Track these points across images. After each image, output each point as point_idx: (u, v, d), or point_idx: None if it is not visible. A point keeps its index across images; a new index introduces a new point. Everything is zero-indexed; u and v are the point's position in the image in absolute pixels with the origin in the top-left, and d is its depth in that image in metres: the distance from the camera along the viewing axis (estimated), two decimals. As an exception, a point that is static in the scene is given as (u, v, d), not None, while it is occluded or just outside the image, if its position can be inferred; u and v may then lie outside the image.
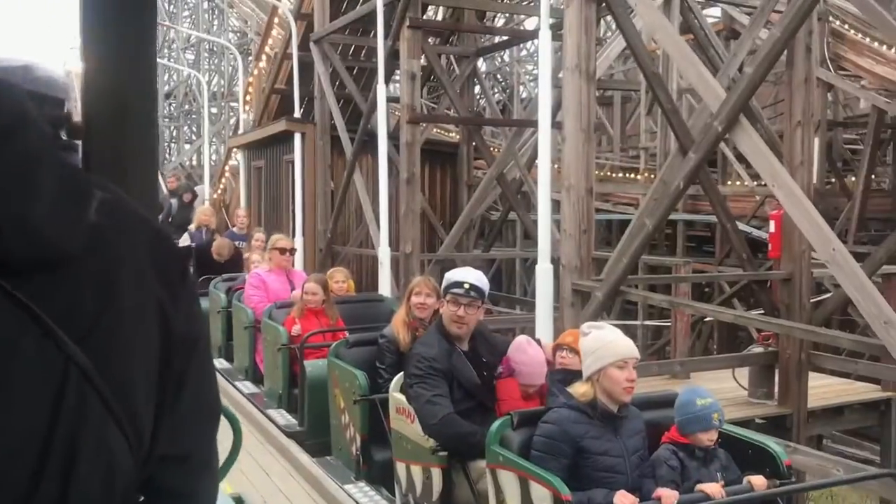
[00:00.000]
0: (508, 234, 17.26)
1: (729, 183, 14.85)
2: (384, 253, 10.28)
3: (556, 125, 8.16)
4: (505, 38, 16.48)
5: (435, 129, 16.87)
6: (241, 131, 18.51)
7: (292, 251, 7.98)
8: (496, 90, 28.31)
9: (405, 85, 10.82)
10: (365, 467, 5.10)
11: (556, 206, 7.74)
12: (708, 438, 3.47)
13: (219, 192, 19.31)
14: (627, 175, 17.77)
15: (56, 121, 0.96)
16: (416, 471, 4.28)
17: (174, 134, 38.38)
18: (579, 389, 3.50)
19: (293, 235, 12.92)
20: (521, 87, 26.97)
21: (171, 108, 37.40)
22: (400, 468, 4.50)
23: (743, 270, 8.57)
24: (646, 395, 3.91)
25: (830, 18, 12.72)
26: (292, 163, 13.61)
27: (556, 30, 8.07)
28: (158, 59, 31.59)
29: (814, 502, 8.62)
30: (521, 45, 24.75)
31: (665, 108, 8.01)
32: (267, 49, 16.91)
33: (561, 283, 7.19)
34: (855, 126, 16.43)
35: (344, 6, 13.71)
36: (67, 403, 0.73)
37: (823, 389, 7.96)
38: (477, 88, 16.65)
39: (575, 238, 7.02)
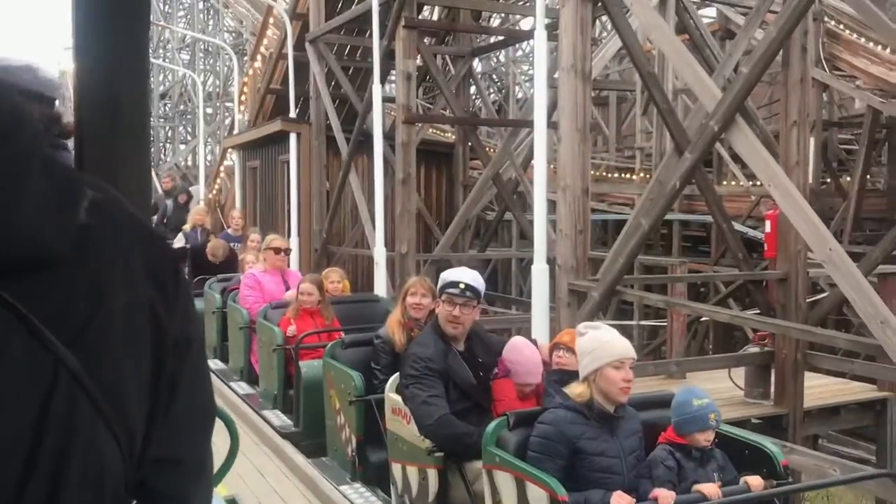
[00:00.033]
0: (504, 234, 17.27)
1: (724, 183, 14.87)
2: (380, 253, 10.26)
3: (552, 125, 8.15)
4: (500, 38, 16.49)
5: (431, 130, 16.87)
6: (236, 131, 18.49)
7: (287, 251, 7.96)
8: (492, 90, 28.33)
9: (401, 85, 10.81)
10: (360, 468, 5.08)
11: (551, 206, 7.75)
12: (705, 439, 3.46)
13: (214, 192, 19.28)
14: (623, 175, 17.80)
15: (49, 121, 0.96)
16: (412, 472, 4.27)
17: (169, 134, 38.34)
18: (576, 390, 3.49)
19: (288, 236, 12.89)
20: (517, 88, 26.99)
21: (167, 109, 37.37)
22: (396, 469, 4.49)
23: (739, 270, 8.57)
24: (642, 396, 3.90)
25: (825, 19, 12.75)
26: (288, 163, 13.59)
27: (552, 30, 8.06)
28: (153, 60, 31.63)
29: (810, 502, 8.62)
30: (517, 46, 24.76)
31: (661, 108, 8.01)
32: (262, 49, 16.89)
33: (557, 284, 7.19)
34: (850, 126, 16.46)
35: (339, 6, 13.69)
36: (56, 406, 0.72)
37: (819, 389, 7.97)
38: (473, 89, 16.66)
39: (571, 238, 7.01)
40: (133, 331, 0.80)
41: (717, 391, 6.84)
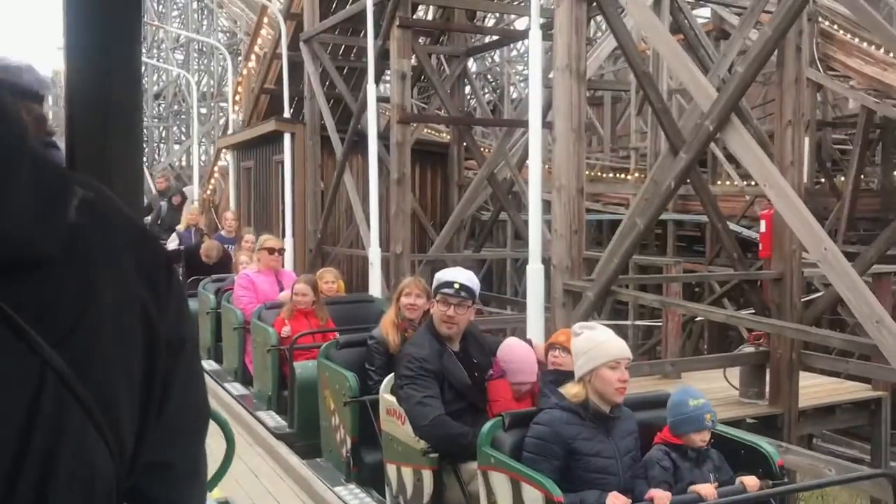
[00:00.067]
0: (499, 234, 17.26)
1: (719, 183, 14.88)
2: (374, 253, 10.24)
3: (547, 125, 8.14)
4: (495, 37, 16.48)
5: (425, 130, 16.85)
6: (230, 131, 18.45)
7: (281, 251, 7.94)
8: (486, 90, 28.33)
9: (395, 85, 10.79)
10: (355, 469, 5.06)
11: (546, 206, 7.73)
12: (700, 439, 3.45)
13: (208, 192, 19.24)
14: (617, 175, 17.80)
15: (39, 119, 0.95)
16: (407, 473, 4.25)
17: (163, 134, 38.26)
18: (571, 390, 3.48)
19: (283, 236, 12.86)
20: (512, 88, 27.01)
21: (161, 109, 37.28)
22: (390, 470, 4.47)
23: (734, 270, 8.58)
24: (638, 396, 3.89)
25: (819, 19, 12.77)
26: (282, 163, 13.56)
27: (547, 29, 8.06)
28: (147, 60, 31.56)
29: (805, 502, 8.63)
30: (512, 46, 24.77)
31: (656, 108, 8.01)
32: (256, 49, 16.86)
33: (552, 284, 7.18)
34: (844, 126, 16.50)
35: (334, 6, 13.67)
36: (44, 410, 0.70)
37: (814, 389, 7.98)
38: (467, 89, 16.64)
39: (566, 238, 7.01)
40: (124, 331, 0.79)
41: (712, 391, 6.84)
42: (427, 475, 4.06)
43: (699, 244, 15.39)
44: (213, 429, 0.97)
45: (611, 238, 10.24)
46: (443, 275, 4.37)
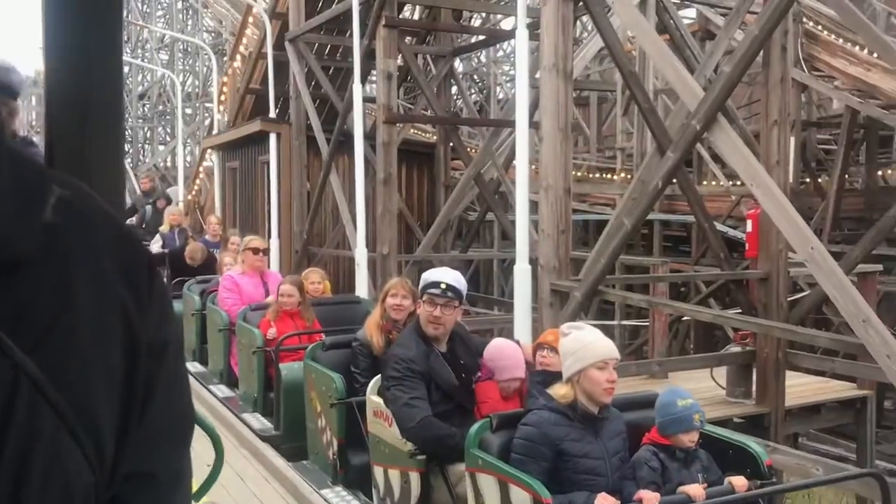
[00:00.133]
0: (486, 234, 17.25)
1: (705, 183, 14.93)
2: (361, 254, 10.20)
3: (534, 125, 8.13)
4: (482, 37, 16.47)
5: (412, 130, 16.83)
6: (215, 132, 18.35)
7: (265, 251, 7.88)
8: (473, 91, 28.34)
9: (381, 85, 10.76)
10: (342, 472, 5.03)
11: (533, 206, 7.72)
12: (689, 439, 3.44)
13: (193, 193, 19.14)
14: (604, 175, 17.84)
15: (13, 112, 0.93)
16: (394, 475, 4.22)
17: (148, 135, 38.07)
18: (559, 391, 3.46)
19: (269, 237, 12.80)
20: (498, 88, 27.02)
21: (145, 109, 37.11)
22: (377, 472, 4.44)
23: (720, 270, 8.59)
24: (626, 397, 3.88)
25: (804, 20, 12.83)
26: (267, 163, 13.49)
27: (533, 29, 8.04)
28: (132, 60, 31.39)
29: (792, 501, 8.66)
30: (498, 46, 24.79)
31: (642, 108, 8.01)
32: (241, 49, 16.77)
33: (539, 284, 7.16)
34: (828, 126, 16.58)
35: (319, 5, 13.61)
36: (17, 417, 0.67)
37: (801, 388, 8.00)
38: (454, 89, 16.63)
39: (553, 238, 6.99)
40: (103, 334, 0.75)
41: (699, 391, 6.84)
42: (414, 477, 4.03)
43: (685, 244, 15.44)
44: (198, 433, 0.93)
45: (597, 238, 10.24)
46: (429, 275, 4.35)
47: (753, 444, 3.65)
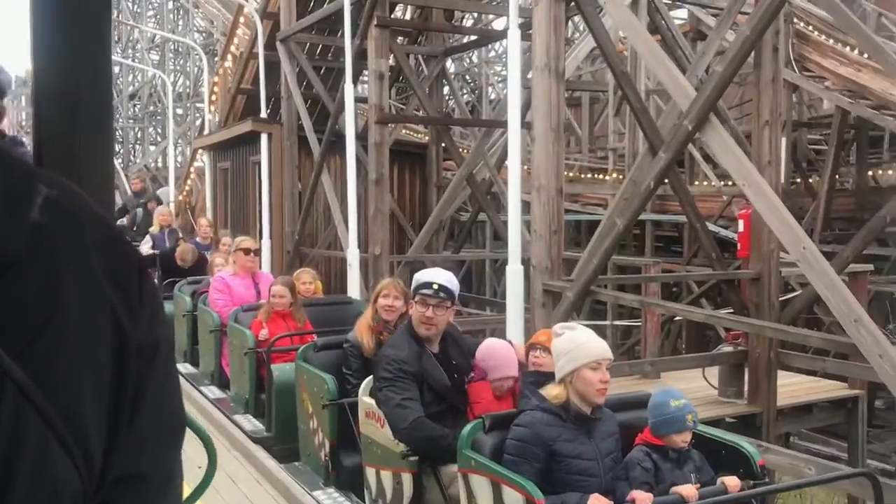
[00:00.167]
0: (478, 235, 17.25)
1: (696, 183, 14.96)
2: (353, 255, 10.18)
3: (526, 125, 8.13)
4: (473, 37, 16.47)
5: (404, 130, 16.81)
6: (206, 132, 18.30)
7: (257, 252, 7.86)
8: (465, 91, 28.35)
9: (373, 85, 10.74)
10: (334, 473, 5.01)
11: (525, 206, 7.72)
12: (682, 440, 3.43)
13: (184, 193, 19.09)
14: (596, 176, 17.87)
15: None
16: (386, 476, 4.21)
17: (139, 135, 37.94)
18: (552, 391, 3.45)
19: (260, 237, 12.77)
20: (490, 89, 27.04)
21: (136, 110, 36.98)
22: (370, 473, 4.42)
23: (712, 270, 8.60)
24: (619, 397, 3.87)
25: (795, 20, 12.87)
26: (259, 164, 13.46)
27: (525, 29, 8.04)
28: (122, 60, 31.25)
29: (784, 500, 8.68)
30: (490, 47, 24.79)
31: (634, 108, 8.01)
32: (233, 49, 16.74)
33: (531, 284, 7.16)
34: (819, 126, 16.65)
35: (311, 5, 13.60)
36: (2, 422, 0.65)
37: (792, 388, 8.03)
38: (446, 89, 16.62)
39: (545, 239, 6.99)
40: (91, 336, 0.74)
41: (691, 390, 6.85)
42: (407, 478, 4.01)
43: (677, 244, 15.46)
44: (190, 435, 0.91)
45: (589, 238, 10.25)
46: (422, 275, 4.34)
47: (746, 444, 3.65)
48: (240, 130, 14.08)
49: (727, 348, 7.65)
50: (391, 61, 11.56)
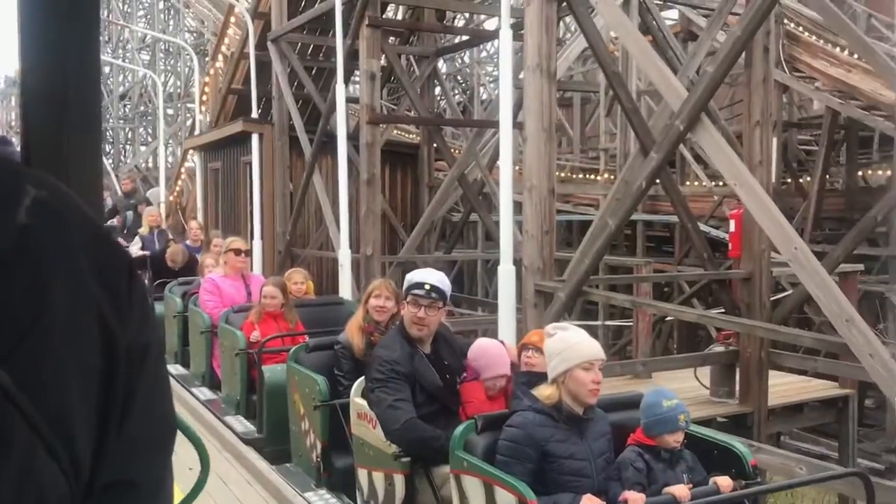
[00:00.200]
0: (470, 235, 17.26)
1: (687, 183, 15.00)
2: (344, 255, 10.16)
3: (518, 125, 8.13)
4: (465, 38, 16.46)
5: (395, 130, 16.80)
6: (197, 132, 18.24)
7: (247, 253, 7.83)
8: (456, 92, 28.35)
9: (365, 85, 10.72)
10: (325, 474, 4.99)
11: (517, 207, 7.72)
12: (674, 440, 3.43)
13: (175, 194, 19.02)
14: (587, 176, 17.90)
15: None
16: (378, 477, 4.19)
17: (129, 136, 37.81)
18: (544, 392, 3.44)
19: (251, 238, 12.73)
20: (482, 89, 27.05)
21: (126, 110, 36.84)
22: (361, 475, 4.41)
23: (704, 270, 8.62)
24: (611, 397, 3.87)
25: (785, 21, 12.92)
26: (250, 164, 13.42)
27: (517, 29, 8.03)
28: (113, 60, 31.12)
29: (774, 499, 8.70)
30: (481, 47, 24.80)
31: (626, 108, 8.02)
32: (223, 48, 16.69)
33: (523, 285, 7.16)
34: (809, 127, 16.73)
35: (302, 5, 13.56)
36: None
37: (783, 387, 8.05)
38: (437, 89, 16.62)
39: (537, 239, 6.99)
40: (78, 338, 0.72)
41: (683, 390, 6.85)
42: (399, 480, 4.00)
43: (668, 244, 15.50)
44: (180, 436, 0.90)
45: (580, 239, 10.25)
46: (413, 276, 4.33)
47: (738, 444, 3.65)
48: (231, 131, 14.04)
49: (718, 348, 7.66)
50: (382, 61, 11.54)
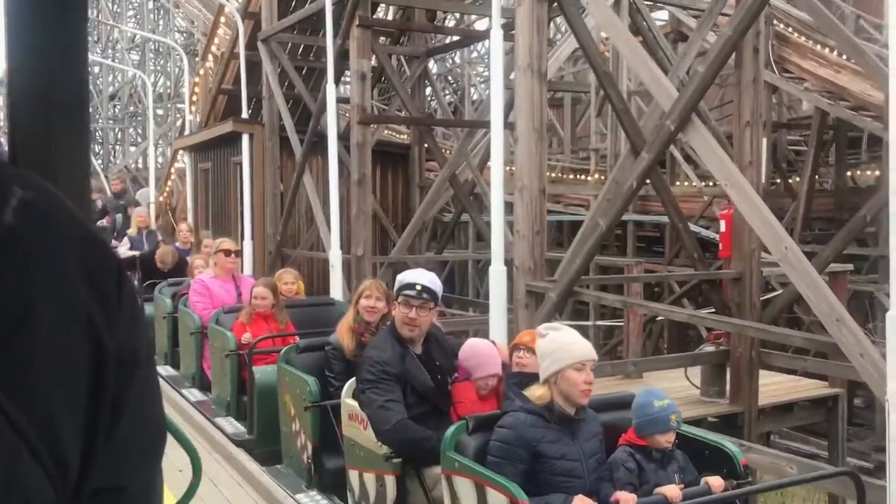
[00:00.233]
0: (461, 235, 17.25)
1: (677, 184, 15.04)
2: (335, 256, 10.14)
3: (509, 126, 8.13)
4: (456, 38, 16.46)
5: (386, 131, 16.78)
6: (187, 133, 18.18)
7: (237, 253, 7.80)
8: (447, 92, 28.35)
9: (355, 85, 10.71)
10: (316, 476, 4.97)
11: (508, 207, 7.71)
12: (665, 440, 3.44)
13: (165, 194, 18.95)
14: (578, 176, 17.92)
15: None
16: (370, 478, 4.18)
17: (119, 136, 37.63)
18: (536, 392, 3.44)
19: (242, 238, 12.69)
20: (473, 89, 27.04)
21: (116, 110, 36.67)
22: (353, 476, 4.40)
23: (694, 270, 8.64)
24: (602, 398, 3.87)
25: (775, 22, 12.96)
26: (240, 164, 13.38)
27: (508, 30, 8.03)
28: (102, 60, 30.98)
29: (764, 498, 8.73)
30: (472, 48, 24.81)
31: (617, 108, 8.03)
32: (213, 48, 16.63)
33: (514, 285, 7.15)
34: (798, 127, 16.78)
35: (292, 5, 13.54)
36: None
37: (773, 387, 8.08)
38: (428, 90, 16.62)
39: (528, 239, 6.99)
40: (66, 342, 0.71)
41: (673, 390, 6.86)
42: (390, 481, 3.99)
43: (658, 244, 15.53)
44: (170, 439, 0.89)
45: (571, 239, 10.28)
46: (404, 276, 4.32)
47: (729, 443, 3.66)
48: (221, 131, 13.99)
49: (709, 348, 7.68)
50: (373, 62, 11.53)
